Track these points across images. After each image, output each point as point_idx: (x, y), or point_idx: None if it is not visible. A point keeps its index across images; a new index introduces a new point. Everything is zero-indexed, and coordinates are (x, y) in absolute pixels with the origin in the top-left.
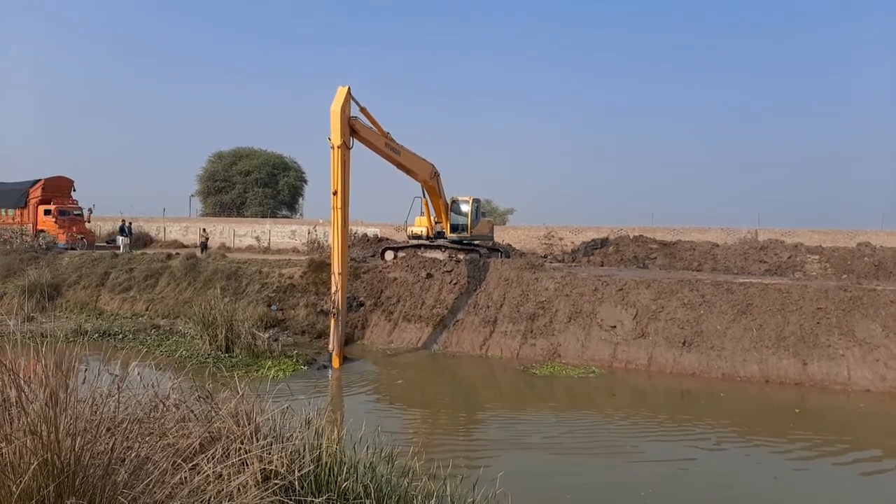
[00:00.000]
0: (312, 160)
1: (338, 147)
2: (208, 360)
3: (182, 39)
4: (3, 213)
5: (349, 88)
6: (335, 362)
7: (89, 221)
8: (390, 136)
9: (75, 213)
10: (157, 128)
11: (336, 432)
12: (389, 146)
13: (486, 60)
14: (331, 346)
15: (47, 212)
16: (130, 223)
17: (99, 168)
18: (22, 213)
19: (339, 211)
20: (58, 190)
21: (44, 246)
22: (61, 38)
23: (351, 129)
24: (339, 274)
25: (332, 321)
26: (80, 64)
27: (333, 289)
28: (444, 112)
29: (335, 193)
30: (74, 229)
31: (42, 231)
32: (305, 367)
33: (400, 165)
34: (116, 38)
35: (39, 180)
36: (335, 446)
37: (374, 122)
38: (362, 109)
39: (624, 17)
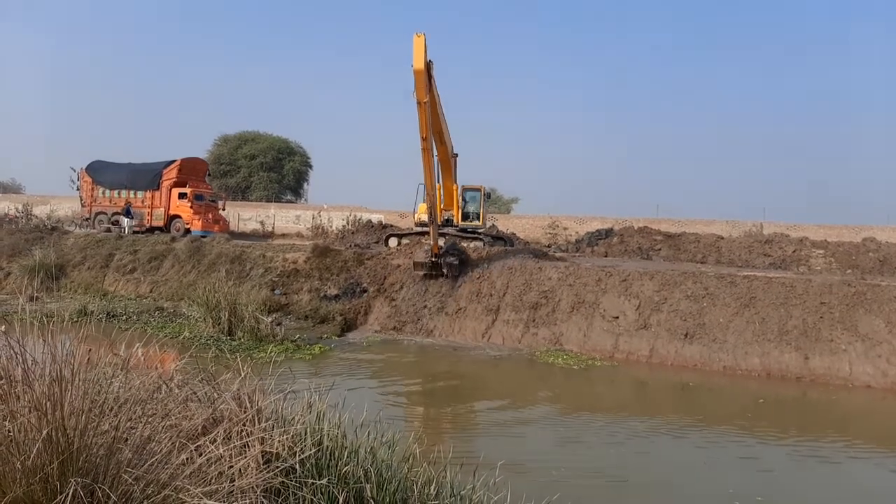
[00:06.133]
0: (318, 145)
1: (424, 103)
2: (211, 342)
3: (186, 24)
4: (133, 196)
5: (425, 38)
6: (434, 249)
7: (224, 209)
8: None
9: (210, 198)
10: (161, 109)
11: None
12: (439, 105)
13: (492, 50)
14: (432, 242)
15: (182, 195)
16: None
17: (99, 148)
18: (153, 196)
19: (426, 152)
20: (193, 172)
21: (179, 235)
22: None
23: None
24: (431, 194)
25: (431, 227)
26: (84, 44)
27: (429, 203)
28: (449, 101)
29: (424, 138)
30: (210, 216)
31: (177, 217)
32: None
33: (438, 130)
34: (122, 22)
35: (175, 161)
36: (336, 430)
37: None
38: (427, 64)
39: (633, 10)
